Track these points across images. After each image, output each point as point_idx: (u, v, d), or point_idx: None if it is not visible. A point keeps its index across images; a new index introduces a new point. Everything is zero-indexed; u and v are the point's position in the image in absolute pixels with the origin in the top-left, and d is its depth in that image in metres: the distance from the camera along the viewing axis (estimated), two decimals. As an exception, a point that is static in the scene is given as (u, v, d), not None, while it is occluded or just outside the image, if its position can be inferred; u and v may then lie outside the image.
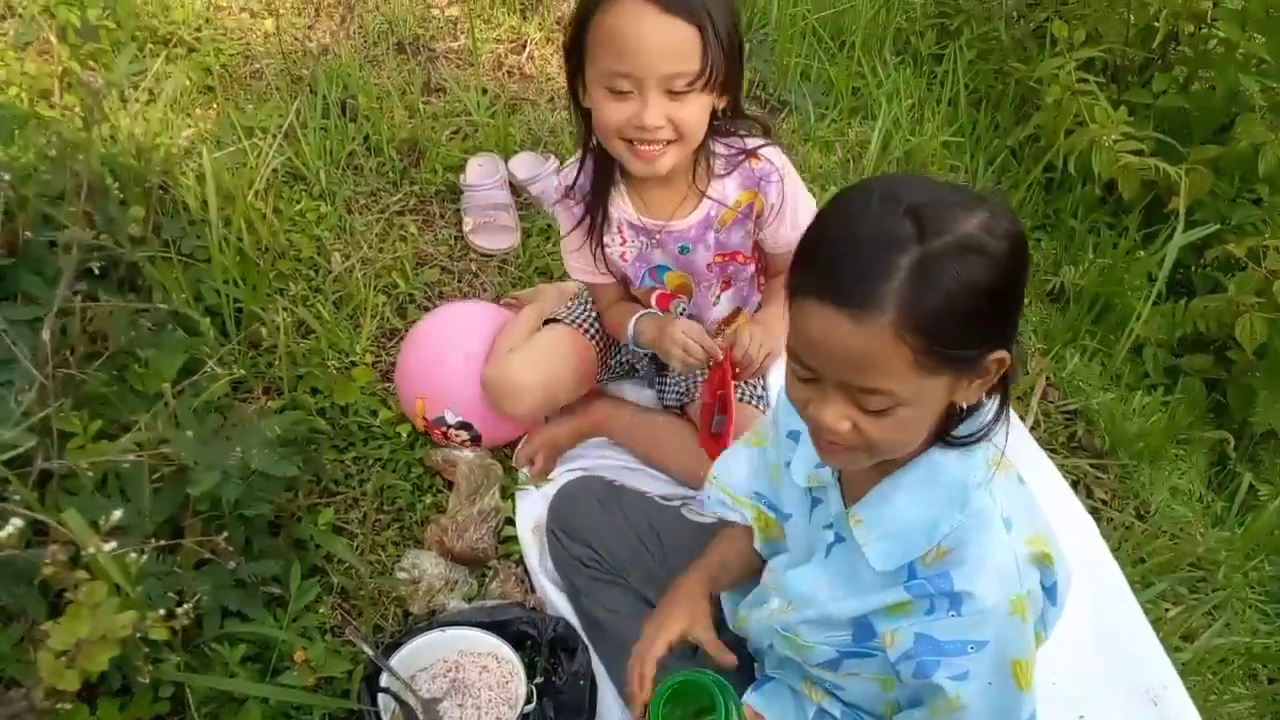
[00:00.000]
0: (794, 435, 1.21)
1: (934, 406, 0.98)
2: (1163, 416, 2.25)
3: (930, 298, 0.89)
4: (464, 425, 1.76)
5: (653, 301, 1.74)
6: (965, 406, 1.01)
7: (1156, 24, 2.71)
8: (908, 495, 1.06)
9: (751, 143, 1.56)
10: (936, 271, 0.89)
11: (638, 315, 1.70)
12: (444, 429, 1.77)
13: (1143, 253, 2.55)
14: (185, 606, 1.14)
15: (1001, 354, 0.96)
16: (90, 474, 1.27)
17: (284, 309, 1.89)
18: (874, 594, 1.09)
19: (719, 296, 1.74)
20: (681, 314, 1.74)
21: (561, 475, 1.79)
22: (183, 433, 1.47)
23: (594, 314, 1.85)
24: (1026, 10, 2.99)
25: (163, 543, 1.22)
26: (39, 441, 1.40)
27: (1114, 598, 1.69)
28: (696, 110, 1.44)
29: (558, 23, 2.76)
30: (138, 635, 1.15)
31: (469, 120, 2.42)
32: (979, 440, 1.03)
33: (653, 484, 1.76)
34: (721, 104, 1.49)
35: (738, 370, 1.61)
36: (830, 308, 0.91)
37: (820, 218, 0.98)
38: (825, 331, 0.92)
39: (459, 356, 1.77)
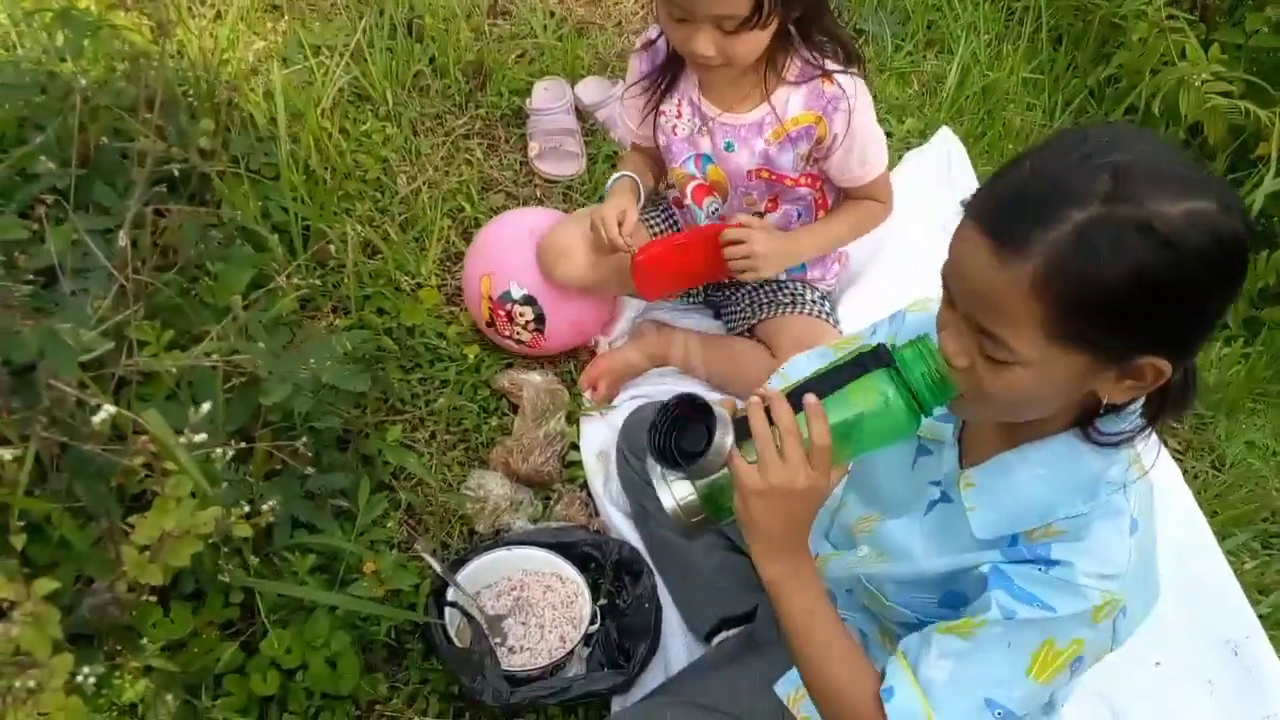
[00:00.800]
0: None
1: (1062, 383, 0.88)
2: (1241, 368, 2.18)
3: (1083, 264, 0.79)
4: (529, 300, 1.73)
5: (688, 192, 1.72)
6: (1107, 402, 0.91)
7: (1252, -41, 2.58)
8: (1031, 473, 0.98)
9: (832, 65, 1.53)
10: (1105, 239, 0.79)
11: (622, 174, 1.72)
12: (509, 307, 1.74)
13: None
14: (269, 504, 1.14)
15: (1160, 362, 0.85)
16: (173, 370, 1.27)
17: (351, 228, 1.88)
18: (968, 553, 1.03)
19: (763, 214, 1.71)
20: (714, 214, 1.73)
21: (625, 402, 1.77)
22: (255, 344, 1.47)
23: (662, 214, 1.83)
24: (1113, -57, 2.86)
25: (239, 445, 1.22)
26: (114, 346, 1.40)
27: (1198, 547, 1.65)
28: (748, 44, 1.45)
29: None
30: (214, 539, 1.16)
31: (535, 43, 2.37)
32: (1118, 444, 0.95)
33: (722, 412, 1.73)
34: (794, 16, 1.47)
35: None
36: (980, 234, 0.85)
37: (1033, 146, 0.90)
38: (968, 256, 0.86)
39: (524, 233, 1.77)
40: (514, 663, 1.42)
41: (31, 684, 0.86)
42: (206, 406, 1.08)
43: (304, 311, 1.81)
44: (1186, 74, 2.43)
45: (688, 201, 1.73)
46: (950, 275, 0.91)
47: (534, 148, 2.15)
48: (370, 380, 1.56)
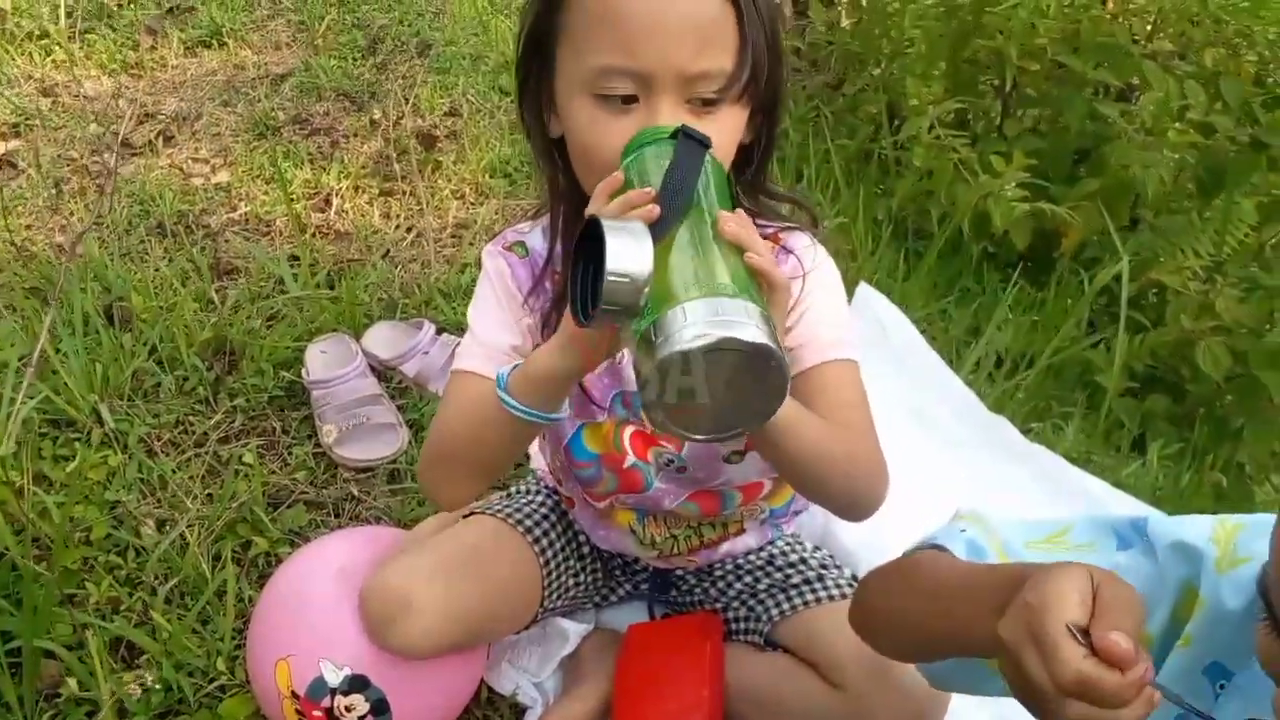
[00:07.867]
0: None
1: None
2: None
3: None
4: (358, 683, 1.11)
5: (625, 445, 1.14)
6: None
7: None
8: None
9: (789, 225, 1.06)
10: None
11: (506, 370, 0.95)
12: (327, 701, 1.10)
13: (1070, 300, 2.37)
14: None
15: None
16: None
17: (90, 630, 1.21)
18: None
19: (742, 454, 1.15)
20: (668, 467, 1.14)
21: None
22: None
23: (539, 502, 1.29)
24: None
25: None
26: None
27: None
28: (728, 127, 0.95)
29: (362, 169, 2.26)
30: None
31: (288, 298, 1.83)
32: None
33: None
34: (748, 138, 1.00)
35: None
36: None
37: None
38: None
39: (331, 579, 1.15)
40: None
41: None
42: None
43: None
44: (990, 187, 2.37)
45: (628, 461, 1.14)
46: None
47: (329, 431, 1.58)
48: None
